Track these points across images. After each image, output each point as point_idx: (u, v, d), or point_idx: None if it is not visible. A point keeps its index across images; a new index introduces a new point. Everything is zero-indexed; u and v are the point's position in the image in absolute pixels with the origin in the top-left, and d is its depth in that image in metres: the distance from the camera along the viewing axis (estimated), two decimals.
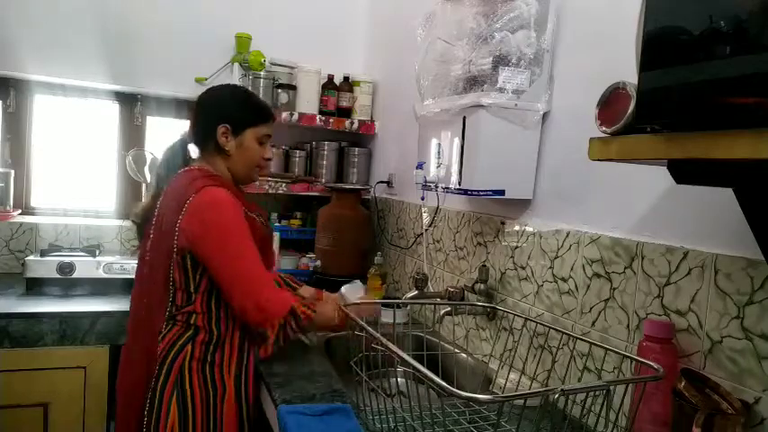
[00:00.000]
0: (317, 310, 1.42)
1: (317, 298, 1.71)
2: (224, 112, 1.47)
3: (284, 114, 2.40)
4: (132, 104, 2.61)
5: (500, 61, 1.37)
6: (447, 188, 1.53)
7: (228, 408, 1.39)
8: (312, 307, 1.42)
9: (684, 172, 0.78)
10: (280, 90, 2.42)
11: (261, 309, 1.34)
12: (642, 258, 1.14)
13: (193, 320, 1.38)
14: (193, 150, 1.55)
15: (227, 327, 1.41)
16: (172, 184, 1.44)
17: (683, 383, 0.92)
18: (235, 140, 1.47)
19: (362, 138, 2.73)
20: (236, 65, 2.44)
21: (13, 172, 2.38)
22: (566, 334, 1.17)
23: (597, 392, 0.87)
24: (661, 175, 0.91)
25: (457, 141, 1.48)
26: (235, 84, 1.87)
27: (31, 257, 2.10)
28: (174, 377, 1.34)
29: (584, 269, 1.29)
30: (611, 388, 0.87)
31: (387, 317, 1.95)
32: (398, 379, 1.60)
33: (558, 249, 1.38)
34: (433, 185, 1.59)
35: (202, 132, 1.49)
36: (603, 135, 0.81)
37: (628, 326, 1.16)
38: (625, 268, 1.18)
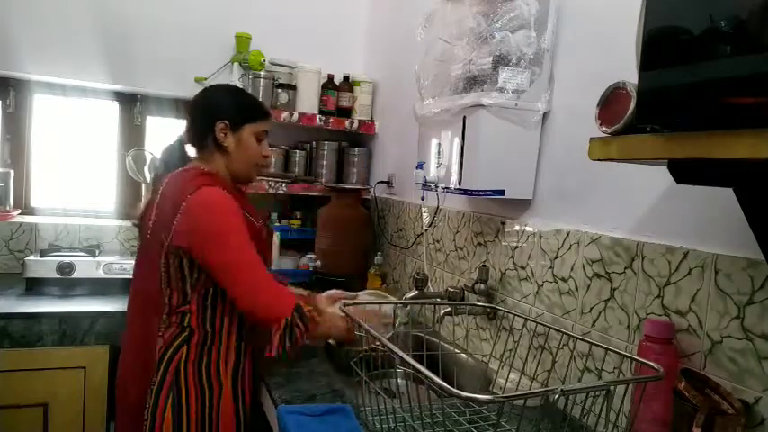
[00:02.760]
0: (324, 314, 1.41)
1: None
2: (222, 109, 1.47)
3: (284, 114, 2.40)
4: (132, 104, 2.61)
5: (500, 61, 1.37)
6: (447, 188, 1.53)
7: (225, 406, 1.38)
8: (319, 311, 1.40)
9: (685, 172, 0.78)
10: (280, 90, 2.41)
11: (267, 307, 1.33)
12: (642, 258, 1.14)
13: (187, 322, 1.37)
14: (191, 150, 1.54)
15: (222, 325, 1.40)
16: (168, 184, 1.43)
17: (683, 383, 0.92)
18: (233, 137, 1.47)
19: (362, 138, 2.73)
20: (236, 65, 2.44)
21: (12, 172, 2.38)
22: (566, 334, 1.17)
23: (597, 393, 0.87)
24: (661, 175, 0.91)
25: (457, 141, 1.48)
26: (227, 83, 1.87)
27: (30, 257, 2.10)
28: (170, 380, 1.34)
29: (584, 269, 1.29)
30: (612, 388, 0.87)
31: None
32: (398, 379, 1.60)
33: (559, 249, 1.37)
34: (432, 185, 1.59)
35: (200, 130, 1.48)
36: (604, 135, 0.81)
37: (628, 326, 1.16)
38: (625, 268, 1.18)
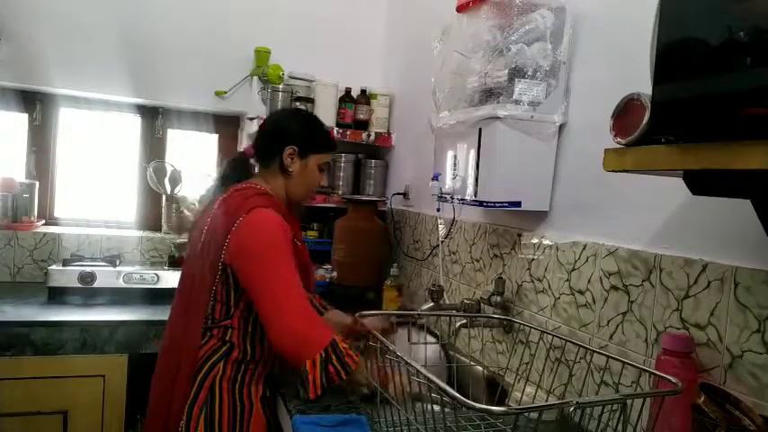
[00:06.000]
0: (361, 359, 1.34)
1: (349, 325, 1.62)
2: (295, 134, 1.52)
3: None
4: (154, 117, 2.66)
5: (516, 73, 1.38)
6: (463, 200, 1.53)
7: (255, 426, 1.39)
8: (357, 354, 1.34)
9: (700, 183, 0.77)
10: (298, 103, 2.44)
11: (299, 339, 1.29)
12: (660, 271, 1.12)
13: (229, 336, 1.38)
14: (255, 166, 1.58)
15: (262, 347, 1.40)
16: (228, 197, 1.45)
17: (702, 398, 0.90)
18: (300, 163, 1.51)
19: (379, 150, 2.74)
20: (256, 78, 2.48)
21: (37, 183, 2.44)
22: (582, 347, 1.16)
23: (614, 406, 0.86)
24: (679, 186, 0.91)
25: (473, 153, 1.48)
26: (304, 109, 1.90)
27: (53, 267, 2.15)
28: (205, 395, 1.35)
29: (601, 282, 1.28)
30: (628, 402, 0.86)
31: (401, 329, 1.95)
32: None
33: (575, 262, 1.37)
34: (448, 197, 1.59)
35: (269, 150, 1.52)
36: (618, 146, 0.81)
37: (646, 339, 1.15)
38: (643, 281, 1.17)
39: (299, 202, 1.58)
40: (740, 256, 0.98)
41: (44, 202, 2.53)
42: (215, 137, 2.78)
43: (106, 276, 2.15)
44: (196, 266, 1.42)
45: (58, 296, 2.11)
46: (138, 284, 2.18)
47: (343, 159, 2.65)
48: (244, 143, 2.66)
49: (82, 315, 1.96)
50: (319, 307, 1.74)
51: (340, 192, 2.61)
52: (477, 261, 1.80)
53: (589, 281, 1.32)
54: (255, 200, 1.41)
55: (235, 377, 1.38)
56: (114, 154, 2.67)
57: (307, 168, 1.53)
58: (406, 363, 0.98)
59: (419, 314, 1.71)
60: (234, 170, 1.57)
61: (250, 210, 1.37)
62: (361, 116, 2.60)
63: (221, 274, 1.36)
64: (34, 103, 2.47)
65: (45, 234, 2.40)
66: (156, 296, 2.18)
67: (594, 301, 1.29)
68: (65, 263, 2.20)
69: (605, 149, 0.83)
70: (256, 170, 1.59)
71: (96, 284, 2.13)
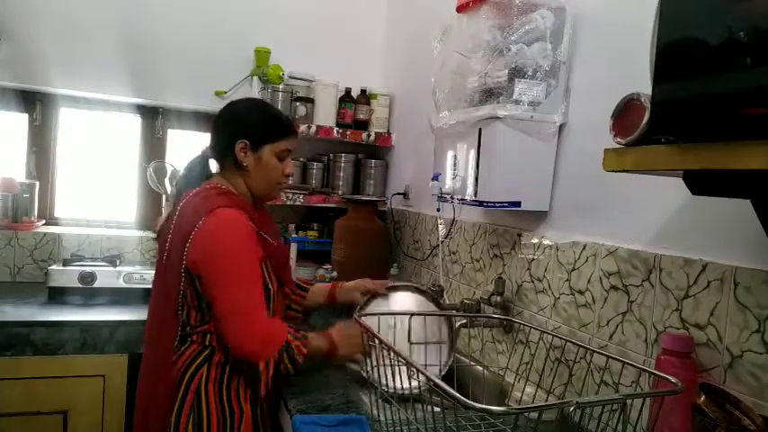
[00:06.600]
0: (310, 345, 1.37)
1: (331, 292, 1.69)
2: (242, 127, 1.44)
3: (302, 127, 2.43)
4: (154, 117, 2.66)
5: (516, 73, 1.38)
6: (463, 200, 1.53)
7: (245, 431, 1.37)
8: (305, 343, 1.36)
9: (700, 183, 0.77)
10: (298, 103, 2.45)
11: (257, 340, 1.30)
12: (660, 271, 1.12)
13: (208, 341, 1.36)
14: (214, 166, 1.54)
15: None
16: (188, 201, 1.42)
17: (702, 398, 0.90)
18: (253, 156, 1.44)
19: (379, 150, 2.74)
20: (256, 78, 2.48)
21: (37, 183, 2.44)
22: (582, 347, 1.16)
23: (614, 406, 0.86)
24: (678, 186, 0.91)
25: (473, 153, 1.48)
26: (254, 98, 1.83)
27: (53, 267, 2.15)
28: (191, 399, 1.33)
29: (601, 282, 1.28)
30: (628, 401, 0.86)
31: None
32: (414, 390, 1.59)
33: (575, 262, 1.37)
34: (448, 197, 1.59)
35: (221, 148, 1.47)
36: (618, 146, 0.81)
37: (646, 339, 1.15)
38: (643, 281, 1.17)
39: (264, 196, 1.51)
40: (740, 256, 0.98)
41: (44, 202, 2.53)
42: None
43: (106, 276, 2.15)
44: (164, 273, 1.40)
45: (58, 296, 2.12)
46: (138, 284, 2.18)
47: (343, 159, 2.65)
48: None
49: (82, 315, 1.96)
50: (303, 285, 1.74)
51: (340, 192, 2.61)
52: (477, 261, 1.80)
53: (589, 281, 1.32)
54: (213, 201, 1.36)
55: (221, 380, 1.35)
56: (114, 154, 2.67)
57: (262, 161, 1.44)
58: (406, 362, 0.98)
59: (419, 314, 1.71)
60: (193, 171, 1.53)
61: (209, 212, 1.33)
62: (361, 116, 2.60)
63: (186, 280, 1.34)
64: (34, 103, 2.47)
65: (45, 234, 2.40)
66: None
67: (594, 301, 1.30)
68: (65, 263, 2.20)
69: (605, 149, 0.83)
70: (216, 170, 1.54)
71: (96, 284, 2.13)
